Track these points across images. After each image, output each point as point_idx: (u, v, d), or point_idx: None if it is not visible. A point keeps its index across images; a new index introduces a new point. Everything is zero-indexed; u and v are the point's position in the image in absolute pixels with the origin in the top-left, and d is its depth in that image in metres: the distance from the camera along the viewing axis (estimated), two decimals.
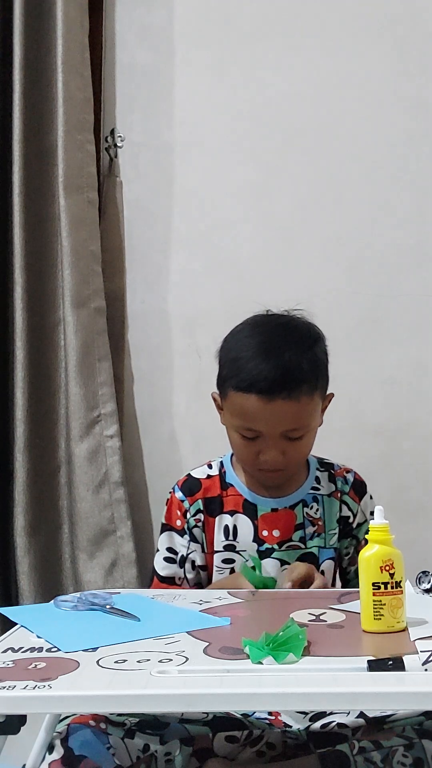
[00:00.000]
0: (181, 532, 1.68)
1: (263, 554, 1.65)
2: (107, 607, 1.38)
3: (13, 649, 1.21)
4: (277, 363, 1.57)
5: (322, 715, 1.44)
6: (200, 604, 1.43)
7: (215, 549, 1.67)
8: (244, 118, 2.53)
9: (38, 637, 1.27)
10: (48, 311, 2.48)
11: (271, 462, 1.60)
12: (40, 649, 1.21)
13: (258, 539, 1.66)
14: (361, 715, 1.43)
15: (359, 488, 1.73)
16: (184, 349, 2.53)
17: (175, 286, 2.56)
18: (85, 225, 2.45)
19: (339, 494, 1.71)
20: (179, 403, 2.55)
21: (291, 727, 1.44)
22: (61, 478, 2.49)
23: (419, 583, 1.46)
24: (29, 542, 2.41)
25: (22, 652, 1.20)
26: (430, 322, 2.47)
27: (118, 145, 2.59)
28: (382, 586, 1.23)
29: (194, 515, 1.68)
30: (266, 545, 1.66)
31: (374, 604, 1.23)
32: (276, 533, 1.67)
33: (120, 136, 2.59)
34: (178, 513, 1.69)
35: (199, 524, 1.68)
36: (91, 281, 2.45)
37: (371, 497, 1.74)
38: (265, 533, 1.67)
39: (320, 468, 1.73)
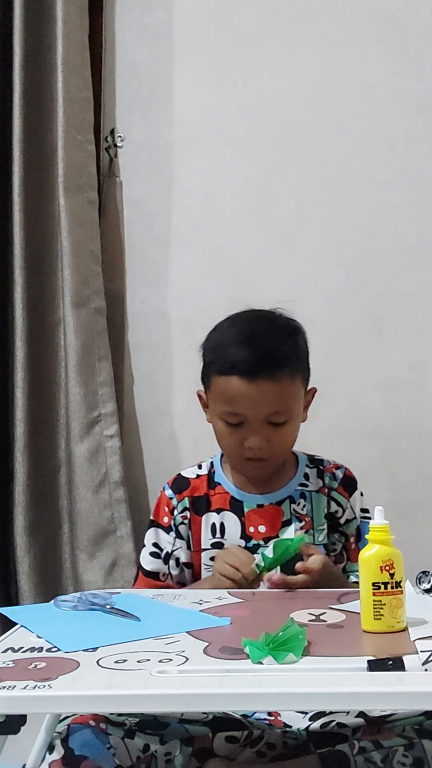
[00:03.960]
0: (167, 529, 1.70)
1: (250, 551, 1.64)
2: (107, 607, 1.38)
3: (13, 649, 1.21)
4: (257, 346, 1.61)
5: (322, 715, 1.44)
6: (200, 604, 1.43)
7: (203, 547, 1.68)
8: (244, 118, 2.53)
9: (38, 637, 1.27)
10: (48, 311, 2.48)
11: (255, 448, 1.61)
12: (40, 649, 1.21)
13: (245, 536, 1.67)
14: (361, 715, 1.43)
15: (349, 484, 1.73)
16: (184, 349, 2.53)
17: (175, 286, 2.56)
18: (85, 225, 2.45)
19: (327, 490, 1.71)
20: (179, 403, 2.55)
21: (291, 727, 1.44)
22: (61, 478, 2.50)
23: (419, 583, 1.46)
24: (29, 542, 2.41)
25: (22, 652, 1.20)
26: (430, 322, 2.47)
27: (118, 145, 2.59)
28: (382, 586, 1.23)
29: (181, 512, 1.69)
30: (253, 541, 1.66)
31: (374, 604, 1.23)
32: (262, 529, 1.67)
33: (120, 136, 2.59)
34: (166, 510, 1.70)
35: (186, 521, 1.69)
36: (91, 281, 2.45)
37: (362, 494, 1.73)
38: (251, 529, 1.67)
39: (309, 464, 1.73)
